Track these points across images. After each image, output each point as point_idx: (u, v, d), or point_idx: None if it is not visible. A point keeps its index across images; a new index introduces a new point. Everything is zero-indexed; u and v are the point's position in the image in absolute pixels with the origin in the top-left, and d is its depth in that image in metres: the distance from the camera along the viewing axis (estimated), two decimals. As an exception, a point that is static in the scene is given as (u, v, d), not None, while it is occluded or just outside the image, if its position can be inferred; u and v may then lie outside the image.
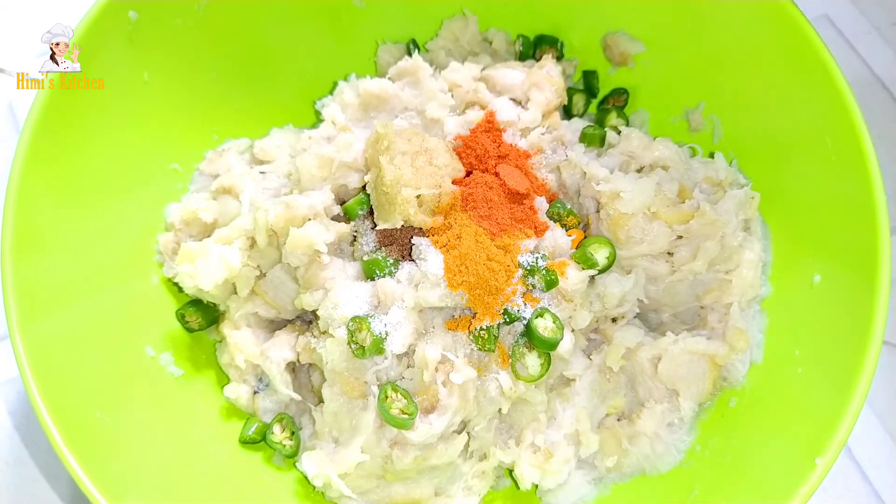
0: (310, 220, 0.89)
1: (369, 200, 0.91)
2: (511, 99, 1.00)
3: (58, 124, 0.84)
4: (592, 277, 0.90)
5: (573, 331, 0.88)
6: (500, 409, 0.86)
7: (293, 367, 0.94)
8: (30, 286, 0.79)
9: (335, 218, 0.93)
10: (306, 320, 0.95)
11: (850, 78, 0.86)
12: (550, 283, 0.85)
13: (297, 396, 0.91)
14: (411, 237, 0.88)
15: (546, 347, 0.84)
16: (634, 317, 0.96)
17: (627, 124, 1.06)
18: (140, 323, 0.91)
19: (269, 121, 1.08)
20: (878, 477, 1.03)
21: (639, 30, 1.06)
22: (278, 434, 0.91)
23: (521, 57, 1.09)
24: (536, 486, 0.88)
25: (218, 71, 1.02)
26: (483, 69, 1.04)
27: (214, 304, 0.95)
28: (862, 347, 0.77)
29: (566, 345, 0.86)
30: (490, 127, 0.96)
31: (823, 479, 0.74)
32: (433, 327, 0.85)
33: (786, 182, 0.94)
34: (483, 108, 1.00)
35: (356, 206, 0.92)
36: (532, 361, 0.85)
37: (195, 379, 0.93)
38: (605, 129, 1.01)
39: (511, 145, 0.96)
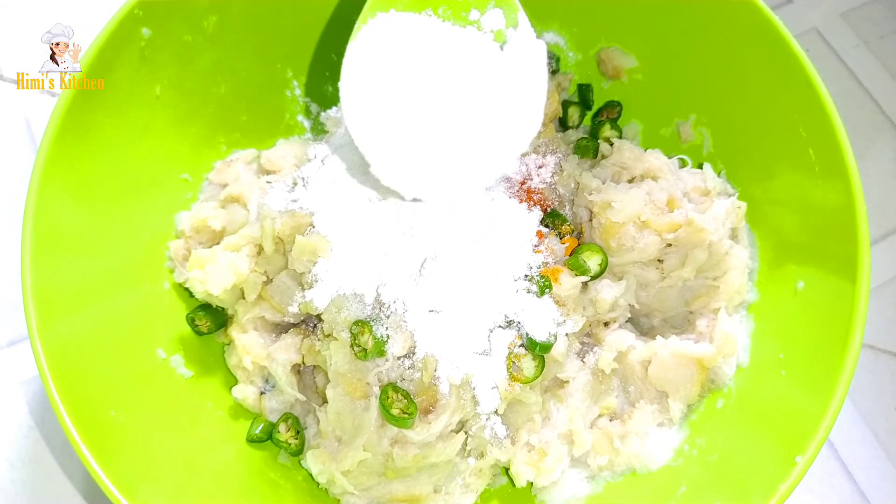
0: (314, 227, 0.90)
1: (372, 209, 0.93)
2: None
3: (74, 136, 0.86)
4: (585, 283, 0.92)
5: (567, 335, 0.90)
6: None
7: (298, 369, 0.95)
8: (48, 290, 0.80)
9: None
10: (311, 324, 0.96)
11: (838, 90, 0.86)
12: (544, 289, 0.88)
13: (301, 397, 0.92)
14: (412, 244, 0.89)
15: (540, 350, 0.86)
16: (626, 321, 0.97)
17: (620, 136, 1.08)
18: (152, 326, 0.92)
19: (276, 132, 1.10)
20: (862, 477, 1.05)
21: (631, 45, 1.08)
22: (284, 433, 0.92)
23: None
24: (531, 483, 0.89)
25: (226, 85, 1.03)
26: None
27: (223, 308, 0.97)
28: (842, 350, 0.79)
29: (560, 348, 0.88)
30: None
31: (804, 477, 0.75)
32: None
33: (772, 192, 0.96)
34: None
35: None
36: (527, 364, 0.86)
37: (204, 380, 0.94)
38: (599, 140, 1.04)
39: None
